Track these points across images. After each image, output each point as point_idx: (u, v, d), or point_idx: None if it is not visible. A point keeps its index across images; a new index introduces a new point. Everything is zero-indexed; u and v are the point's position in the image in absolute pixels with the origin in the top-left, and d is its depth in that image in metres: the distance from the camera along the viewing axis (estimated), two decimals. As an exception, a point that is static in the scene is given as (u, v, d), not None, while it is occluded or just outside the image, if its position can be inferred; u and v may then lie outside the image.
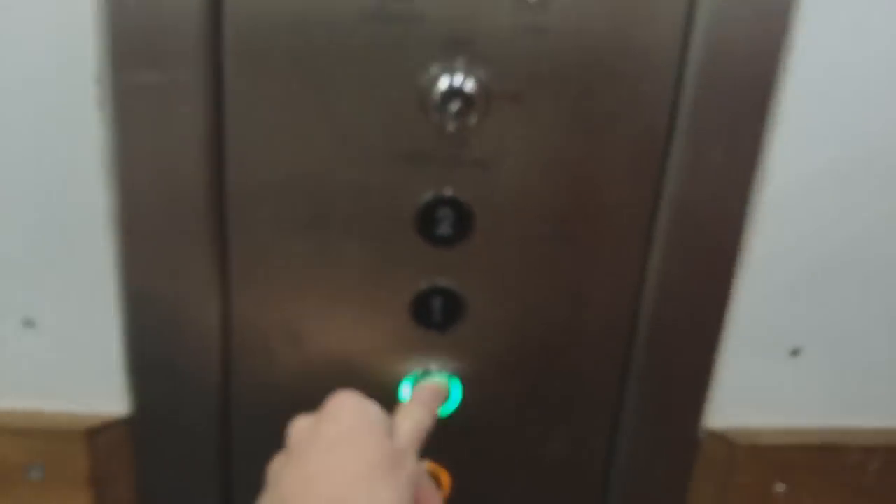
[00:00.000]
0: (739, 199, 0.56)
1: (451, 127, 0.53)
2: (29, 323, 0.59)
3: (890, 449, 0.65)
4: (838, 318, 0.62)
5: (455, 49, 0.51)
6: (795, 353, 0.63)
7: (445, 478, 0.65)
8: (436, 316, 0.60)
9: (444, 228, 0.56)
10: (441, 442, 0.63)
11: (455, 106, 0.52)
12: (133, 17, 0.49)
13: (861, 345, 0.63)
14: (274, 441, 0.62)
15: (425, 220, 0.56)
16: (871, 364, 0.64)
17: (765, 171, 0.56)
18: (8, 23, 0.50)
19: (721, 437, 0.65)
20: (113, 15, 0.50)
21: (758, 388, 0.64)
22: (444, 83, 0.51)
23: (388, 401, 0.62)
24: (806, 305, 0.61)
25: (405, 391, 0.61)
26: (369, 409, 0.50)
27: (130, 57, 0.51)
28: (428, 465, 0.64)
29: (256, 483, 0.64)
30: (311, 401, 0.61)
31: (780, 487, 0.66)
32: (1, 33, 0.50)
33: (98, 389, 0.61)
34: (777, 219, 0.58)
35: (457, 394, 0.62)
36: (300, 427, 0.50)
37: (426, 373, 0.61)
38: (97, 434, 0.61)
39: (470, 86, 0.51)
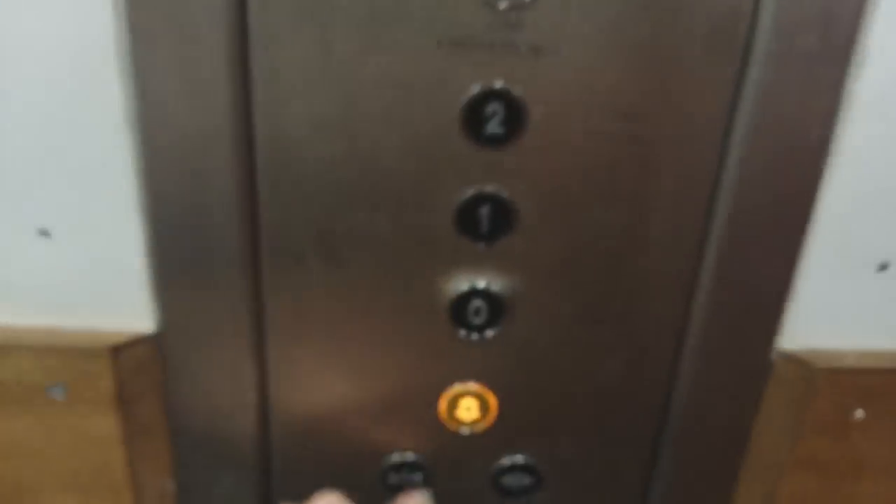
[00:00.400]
0: (832, 91, 0.47)
1: (503, 4, 0.43)
2: (44, 232, 0.51)
3: None
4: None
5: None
6: (883, 267, 0.54)
7: (493, 401, 0.58)
8: (483, 226, 0.51)
9: (494, 126, 0.48)
10: (489, 364, 0.57)
11: (508, -21, 0.43)
12: None
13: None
14: (312, 351, 0.55)
15: (472, 116, 0.47)
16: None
17: (863, 60, 0.46)
18: None
19: (796, 359, 0.56)
20: None
21: (840, 305, 0.55)
22: (494, -47, 0.42)
23: (431, 320, 0.55)
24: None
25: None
26: None
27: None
28: (475, 387, 0.57)
29: (295, 396, 0.58)
30: (346, 310, 0.54)
31: (859, 414, 0.57)
32: None
33: (122, 304, 0.54)
34: (873, 115, 0.48)
35: None
36: None
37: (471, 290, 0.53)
38: (122, 351, 0.54)
39: (525, -45, 0.42)
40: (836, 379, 0.56)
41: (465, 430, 0.59)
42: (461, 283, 0.53)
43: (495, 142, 0.48)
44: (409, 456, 0.60)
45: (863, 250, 0.53)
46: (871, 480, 0.60)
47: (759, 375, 0.57)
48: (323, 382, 0.57)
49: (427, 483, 0.61)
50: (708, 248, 0.52)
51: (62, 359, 0.54)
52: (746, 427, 0.59)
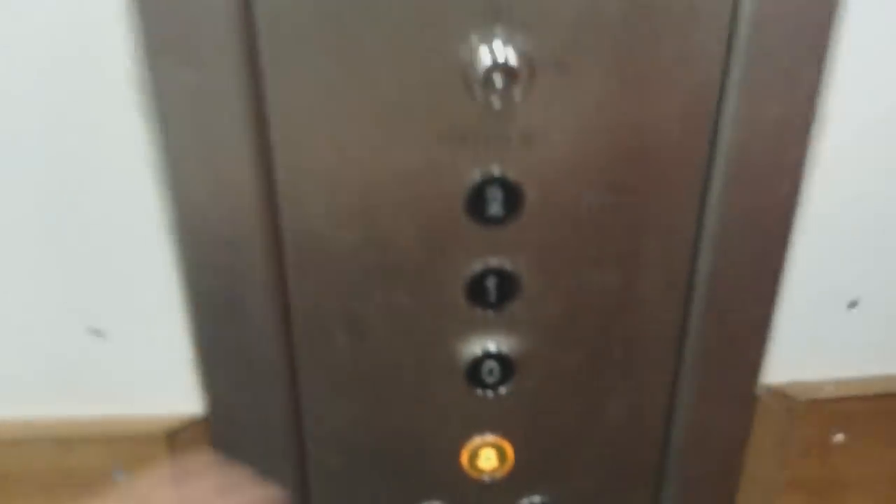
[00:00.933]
0: (797, 151, 0.44)
1: (496, 104, 0.41)
2: (98, 332, 0.49)
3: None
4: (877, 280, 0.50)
5: (494, 17, 0.39)
6: (853, 304, 0.51)
7: (509, 450, 0.55)
8: (491, 296, 0.49)
9: (494, 209, 0.45)
10: (503, 416, 0.54)
11: (499, 80, 0.40)
12: (164, 14, 0.39)
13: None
14: (345, 416, 0.52)
15: (475, 201, 0.45)
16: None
17: (822, 122, 0.44)
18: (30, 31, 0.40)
19: (779, 392, 0.53)
20: (143, 12, 0.39)
21: (816, 341, 0.52)
22: (486, 57, 0.40)
23: (449, 382, 0.52)
24: (864, 257, 0.49)
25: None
26: None
27: (164, 56, 0.40)
28: (492, 439, 0.54)
29: (330, 464, 0.55)
30: (372, 378, 0.51)
31: (839, 438, 0.54)
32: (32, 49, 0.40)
33: (173, 391, 0.51)
34: (835, 170, 0.46)
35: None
36: None
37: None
38: (176, 435, 0.51)
39: (512, 57, 0.40)
40: (816, 408, 0.53)
41: (486, 478, 0.56)
42: (474, 348, 0.51)
43: (496, 221, 0.46)
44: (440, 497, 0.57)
45: (833, 290, 0.50)
46: (856, 496, 0.57)
47: (747, 409, 0.54)
48: (357, 442, 0.54)
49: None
50: (694, 298, 0.49)
51: (123, 445, 0.51)
52: (739, 455, 0.56)
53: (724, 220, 0.46)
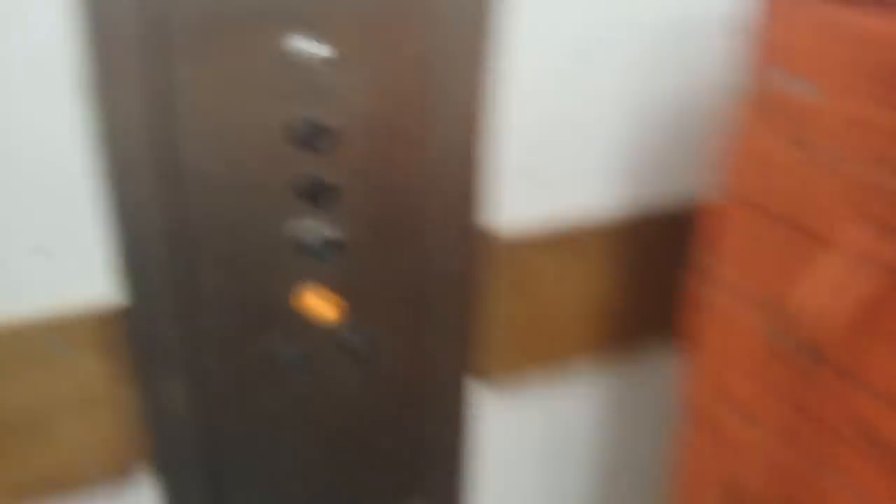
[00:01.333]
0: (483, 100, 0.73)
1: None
2: (41, 249, 0.66)
3: (604, 229, 0.87)
4: (544, 158, 0.82)
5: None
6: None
7: (340, 300, 0.79)
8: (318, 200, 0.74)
9: (319, 143, 0.70)
10: (336, 278, 0.78)
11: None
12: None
13: (562, 168, 0.83)
14: (225, 289, 0.75)
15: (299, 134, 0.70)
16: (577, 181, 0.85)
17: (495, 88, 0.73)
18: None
19: (496, 238, 0.83)
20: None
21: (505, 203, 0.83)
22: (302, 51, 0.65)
23: (298, 257, 0.75)
24: (542, 147, 0.80)
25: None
26: None
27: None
28: (326, 294, 0.79)
29: (212, 327, 0.77)
30: (246, 266, 0.74)
31: (541, 265, 0.85)
32: None
33: (103, 286, 0.70)
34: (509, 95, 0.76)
35: None
36: None
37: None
38: (107, 319, 0.71)
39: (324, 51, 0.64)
40: (522, 246, 0.84)
41: (324, 319, 0.80)
42: (314, 234, 0.74)
43: (320, 150, 0.70)
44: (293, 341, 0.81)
45: (525, 170, 0.80)
46: (561, 305, 0.89)
47: (479, 250, 0.84)
48: (235, 306, 0.77)
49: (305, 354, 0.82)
50: (438, 192, 0.78)
51: (73, 328, 0.70)
52: (480, 281, 0.86)
53: (443, 143, 0.75)
